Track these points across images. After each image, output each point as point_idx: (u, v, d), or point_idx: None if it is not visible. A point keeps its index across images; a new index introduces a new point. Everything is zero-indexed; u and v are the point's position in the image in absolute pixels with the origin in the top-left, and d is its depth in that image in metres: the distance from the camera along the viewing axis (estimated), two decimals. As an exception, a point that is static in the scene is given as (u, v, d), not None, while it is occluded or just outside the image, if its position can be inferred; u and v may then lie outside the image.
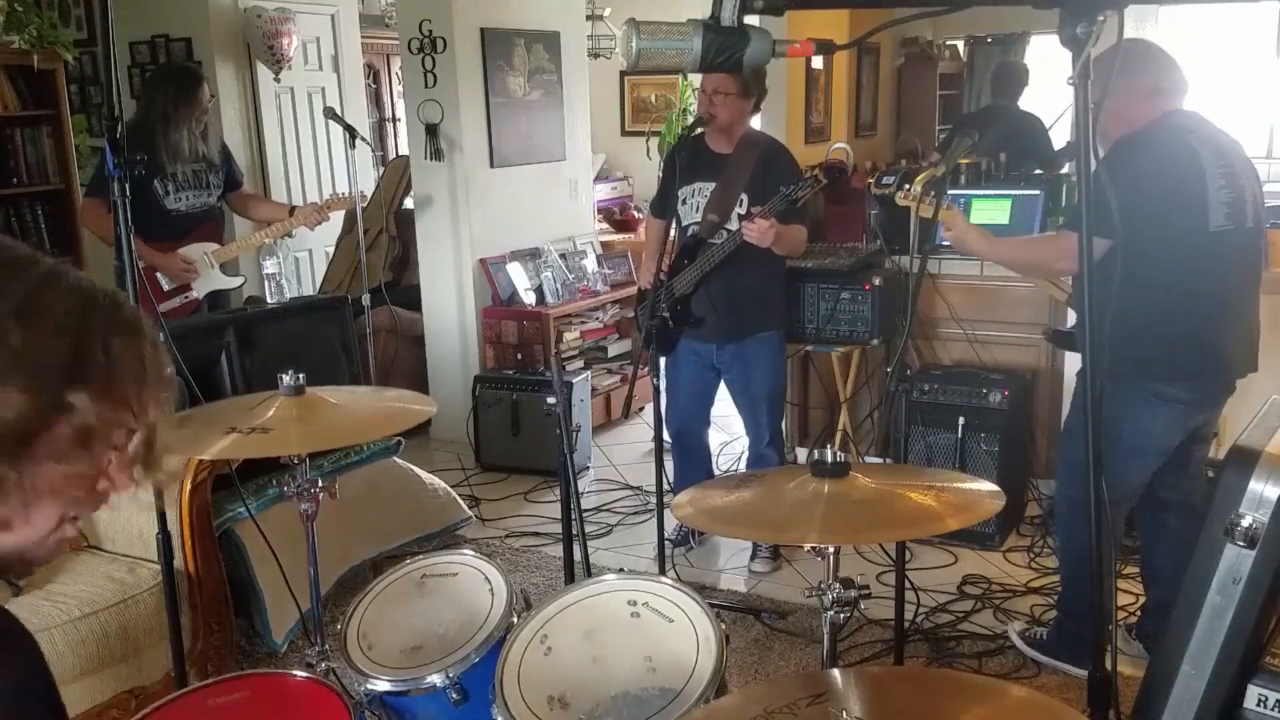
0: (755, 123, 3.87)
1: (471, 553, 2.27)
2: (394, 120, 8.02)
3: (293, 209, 4.43)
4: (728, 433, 4.70)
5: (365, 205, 5.59)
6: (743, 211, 3.48)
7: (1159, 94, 2.73)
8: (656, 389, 3.42)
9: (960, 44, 7.23)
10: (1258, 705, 1.77)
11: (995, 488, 1.83)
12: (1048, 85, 6.02)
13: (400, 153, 7.31)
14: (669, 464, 3.82)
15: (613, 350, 5.63)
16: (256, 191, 4.80)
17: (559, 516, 2.81)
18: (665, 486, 3.55)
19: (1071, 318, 3.58)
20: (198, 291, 4.24)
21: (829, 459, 1.82)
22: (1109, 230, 2.54)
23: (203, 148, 4.21)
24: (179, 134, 4.10)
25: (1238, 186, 2.72)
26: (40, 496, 1.00)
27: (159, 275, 4.14)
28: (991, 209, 4.12)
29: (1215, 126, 2.78)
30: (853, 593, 1.77)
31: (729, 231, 3.48)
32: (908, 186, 3.05)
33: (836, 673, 1.50)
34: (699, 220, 3.57)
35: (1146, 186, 2.60)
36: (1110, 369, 2.65)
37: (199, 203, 4.26)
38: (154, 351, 1.03)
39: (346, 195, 4.57)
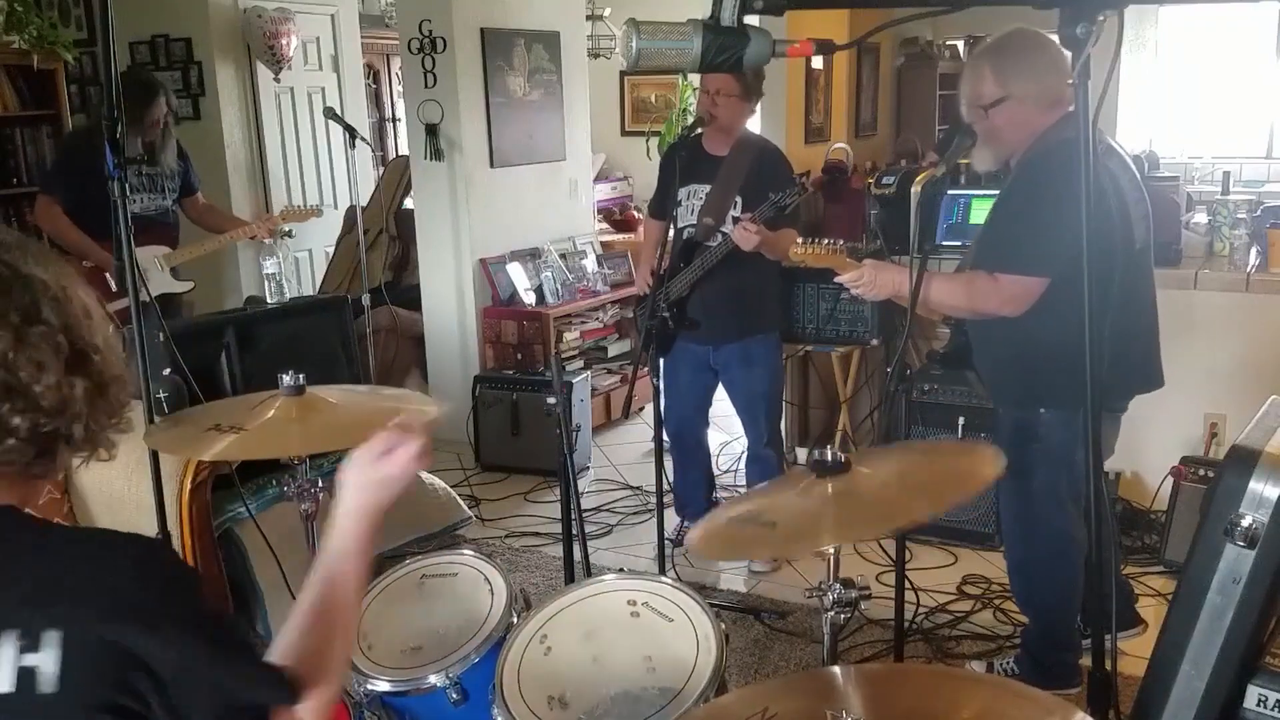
0: (754, 123, 3.87)
1: (471, 553, 2.27)
2: (394, 120, 8.01)
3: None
4: (727, 433, 4.70)
5: (365, 205, 5.60)
6: (737, 214, 3.48)
7: (1064, 98, 2.55)
8: (656, 389, 3.42)
9: (960, 44, 7.21)
10: (1258, 705, 1.77)
11: (994, 451, 1.74)
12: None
13: (400, 153, 7.31)
14: (669, 464, 3.82)
15: (613, 350, 5.62)
16: (212, 203, 4.84)
17: (559, 516, 2.81)
18: (665, 486, 3.55)
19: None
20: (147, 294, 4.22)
21: (829, 458, 1.79)
22: (1042, 267, 2.49)
23: (160, 155, 4.30)
24: (134, 145, 4.12)
25: (1144, 200, 2.69)
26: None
27: (108, 276, 4.16)
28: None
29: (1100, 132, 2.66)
30: (853, 593, 1.76)
31: (724, 235, 3.47)
32: (816, 242, 2.81)
33: (837, 670, 1.50)
34: (695, 223, 3.57)
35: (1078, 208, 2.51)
36: (1056, 398, 2.64)
37: (153, 205, 4.35)
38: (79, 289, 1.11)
39: (311, 207, 4.61)
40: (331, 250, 6.27)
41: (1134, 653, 2.76)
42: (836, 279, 2.81)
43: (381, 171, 6.74)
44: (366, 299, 4.72)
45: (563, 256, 5.54)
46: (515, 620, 2.00)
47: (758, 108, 3.80)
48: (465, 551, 2.28)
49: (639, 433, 5.28)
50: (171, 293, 4.37)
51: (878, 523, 1.87)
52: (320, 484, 2.31)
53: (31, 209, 5.36)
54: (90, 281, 1.42)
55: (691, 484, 3.91)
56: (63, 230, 4.19)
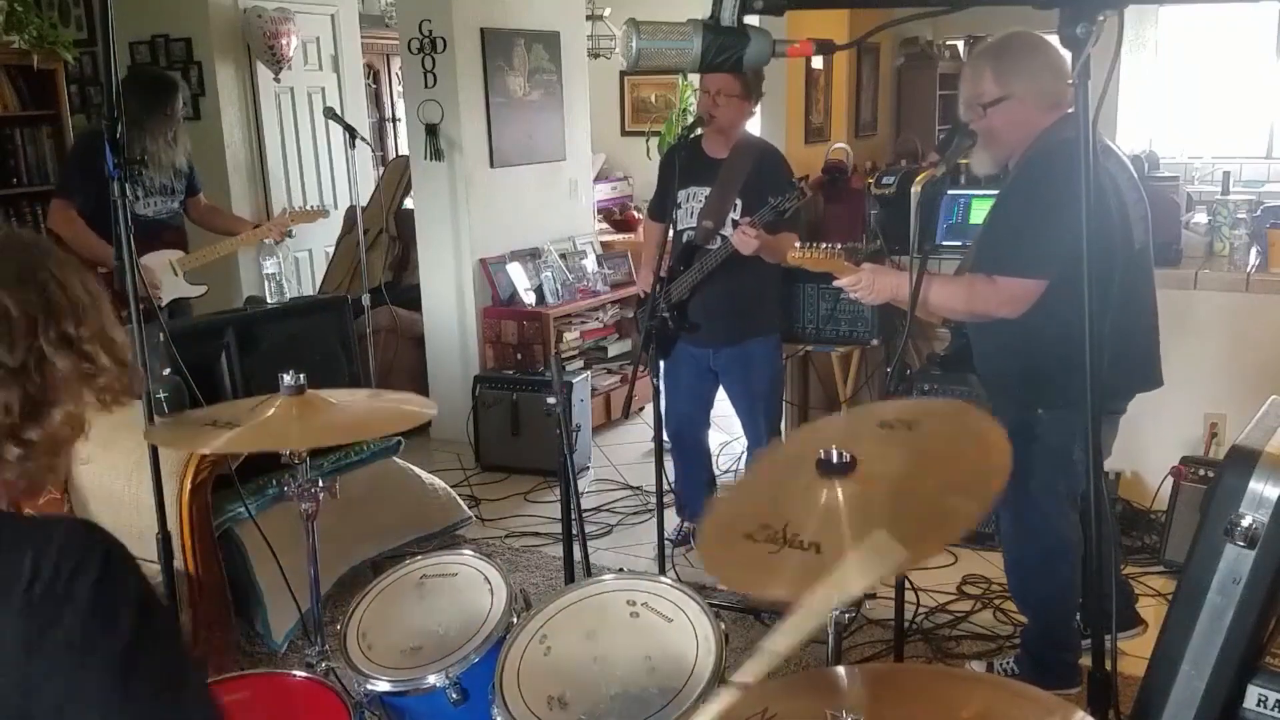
0: (754, 123, 3.86)
1: (471, 553, 2.27)
2: (394, 120, 8.02)
3: (257, 225, 4.48)
4: (727, 433, 4.70)
5: (365, 205, 5.60)
6: (737, 217, 3.47)
7: (1062, 99, 2.56)
8: (656, 389, 3.42)
9: (960, 44, 7.22)
10: (1258, 705, 1.77)
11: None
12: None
13: (400, 153, 7.32)
14: (669, 464, 3.82)
15: (613, 350, 5.63)
16: (214, 203, 4.79)
17: (559, 516, 2.81)
18: (665, 486, 3.55)
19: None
20: (161, 299, 4.13)
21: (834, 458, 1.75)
22: (1041, 268, 2.49)
23: (174, 156, 4.22)
24: (155, 144, 4.08)
25: (1143, 200, 2.69)
26: (63, 444, 1.06)
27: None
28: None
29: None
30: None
31: (724, 238, 3.47)
32: (814, 246, 2.83)
33: (837, 670, 1.50)
34: (694, 226, 3.56)
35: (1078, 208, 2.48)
36: (1055, 399, 2.63)
37: (165, 209, 4.28)
38: (89, 277, 1.10)
39: (315, 208, 4.60)
40: (331, 250, 6.28)
41: (1134, 653, 2.76)
42: (834, 283, 2.81)
43: (381, 171, 6.75)
44: (366, 299, 4.72)
45: (563, 256, 5.55)
46: (515, 620, 2.00)
47: (757, 108, 3.80)
48: (465, 551, 2.28)
49: (639, 433, 5.28)
50: (186, 297, 4.33)
51: (934, 536, 1.48)
52: (320, 484, 2.31)
53: (32, 209, 5.39)
54: (108, 286, 1.39)
55: (692, 484, 3.91)
56: (79, 235, 4.07)
